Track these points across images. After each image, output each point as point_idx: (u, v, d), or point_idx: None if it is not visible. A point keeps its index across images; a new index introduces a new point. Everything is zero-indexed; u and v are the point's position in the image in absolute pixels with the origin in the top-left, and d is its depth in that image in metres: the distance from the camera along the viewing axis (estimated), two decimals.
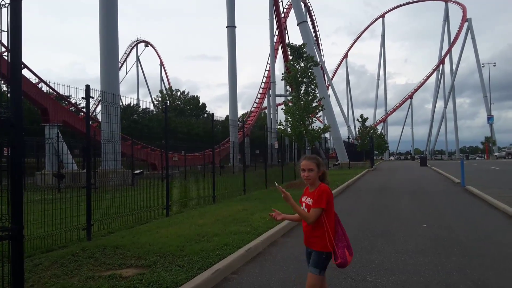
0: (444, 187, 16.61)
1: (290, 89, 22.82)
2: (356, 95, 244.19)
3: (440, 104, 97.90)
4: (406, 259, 5.50)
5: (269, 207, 9.96)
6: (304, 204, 3.15)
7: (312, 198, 3.07)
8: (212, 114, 14.19)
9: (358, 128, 61.30)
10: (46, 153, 18.37)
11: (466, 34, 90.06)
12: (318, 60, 27.53)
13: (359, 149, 52.84)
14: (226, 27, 42.71)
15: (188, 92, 76.94)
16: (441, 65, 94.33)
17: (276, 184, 3.18)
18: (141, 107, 65.18)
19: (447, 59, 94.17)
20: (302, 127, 18.87)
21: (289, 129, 19.79)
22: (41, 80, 23.72)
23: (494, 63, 73.54)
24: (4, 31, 3.20)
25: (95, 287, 4.15)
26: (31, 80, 22.62)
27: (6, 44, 3.26)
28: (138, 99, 76.44)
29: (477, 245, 6.22)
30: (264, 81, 63.67)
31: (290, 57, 20.17)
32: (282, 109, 20.76)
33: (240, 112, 75.66)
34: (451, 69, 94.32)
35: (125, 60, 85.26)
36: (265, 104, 65.10)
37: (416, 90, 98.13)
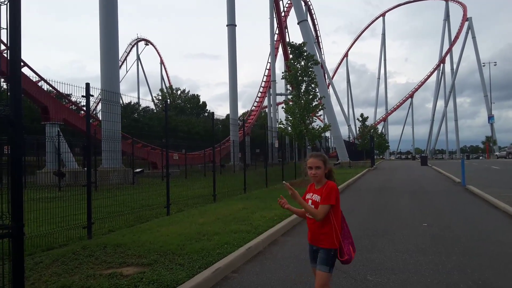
0: (444, 186, 16.59)
1: (290, 88, 22.80)
2: (356, 94, 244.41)
3: (440, 103, 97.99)
4: (407, 258, 5.49)
5: (270, 206, 10.02)
6: (310, 201, 3.13)
7: (320, 195, 3.06)
8: (213, 113, 14.20)
9: (358, 127, 61.38)
10: (47, 152, 18.38)
11: (467, 33, 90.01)
12: (319, 59, 27.51)
13: (359, 148, 52.87)
14: (226, 25, 42.66)
15: (189, 91, 76.94)
16: (441, 64, 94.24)
17: (284, 183, 3.17)
18: (142, 105, 65.13)
19: (447, 58, 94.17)
20: (302, 126, 18.87)
21: (289, 128, 19.80)
22: (41, 78, 23.73)
23: (495, 62, 73.53)
24: (3, 28, 3.19)
25: (95, 285, 4.15)
26: (32, 78, 22.62)
27: (5, 42, 3.25)
28: (138, 98, 76.44)
29: (478, 245, 6.22)
30: (264, 80, 63.67)
31: (291, 56, 20.17)
32: (282, 108, 20.74)
33: (241, 111, 75.80)
34: (452, 68, 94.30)
35: (125, 59, 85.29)
36: (265, 103, 65.10)
37: (416, 89, 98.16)
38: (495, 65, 71.92)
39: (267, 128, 25.34)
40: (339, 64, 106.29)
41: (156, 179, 17.05)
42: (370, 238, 6.80)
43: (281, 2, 60.18)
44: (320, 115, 32.97)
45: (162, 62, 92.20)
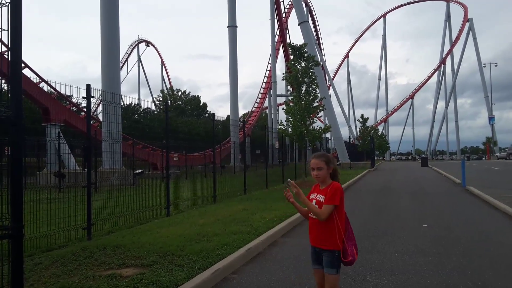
0: (445, 187, 16.58)
1: (291, 89, 22.79)
2: (357, 95, 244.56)
3: (441, 104, 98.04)
4: (407, 259, 5.49)
5: (270, 207, 10.02)
6: (314, 201, 3.11)
7: (324, 195, 3.04)
8: (213, 114, 14.21)
9: (359, 128, 61.33)
10: (47, 153, 18.40)
11: (468, 34, 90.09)
12: (319, 60, 27.53)
13: (360, 149, 52.86)
14: (227, 27, 42.73)
15: (189, 92, 77.00)
16: (442, 65, 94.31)
17: (289, 180, 3.15)
18: (142, 107, 65.25)
19: (448, 59, 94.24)
20: (303, 127, 18.87)
21: (290, 129, 19.80)
22: (42, 80, 23.78)
23: (496, 63, 73.98)
24: (4, 30, 3.20)
25: (95, 286, 4.15)
26: (32, 79, 22.66)
27: (6, 43, 3.26)
28: (139, 99, 76.60)
29: (478, 246, 6.21)
30: (265, 81, 63.73)
31: (291, 57, 20.17)
32: (283, 109, 20.76)
33: (241, 112, 75.88)
34: (453, 69, 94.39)
35: (126, 60, 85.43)
36: (266, 104, 65.13)
37: (417, 90, 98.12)
38: (496, 66, 71.97)
39: (267, 129, 25.33)
40: (340, 65, 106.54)
41: (156, 180, 17.06)
42: (370, 239, 6.80)
43: (282, 3, 60.26)
44: (320, 116, 33.06)
45: (163, 63, 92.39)
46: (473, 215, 9.40)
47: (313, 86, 19.19)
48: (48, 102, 22.70)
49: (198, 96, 77.36)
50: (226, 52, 43.12)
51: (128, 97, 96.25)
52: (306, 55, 19.51)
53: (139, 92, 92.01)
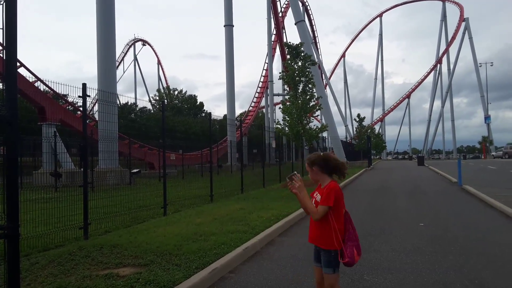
0: (441, 186, 16.65)
1: (287, 89, 22.81)
2: (353, 94, 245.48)
3: (437, 103, 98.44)
4: (403, 258, 5.51)
5: (267, 206, 10.03)
6: (314, 199, 3.12)
7: (321, 194, 3.04)
8: (210, 113, 14.19)
9: (355, 128, 61.52)
10: (43, 152, 18.31)
11: (464, 33, 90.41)
12: (316, 60, 27.55)
13: (356, 148, 53.05)
14: (224, 26, 42.62)
15: (186, 91, 77.04)
16: (438, 65, 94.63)
17: (296, 173, 3.12)
18: (139, 106, 65.17)
19: (444, 59, 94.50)
20: (299, 126, 18.88)
21: (286, 129, 19.83)
22: (38, 79, 23.66)
23: (491, 62, 73.60)
24: (0, 28, 3.18)
25: (92, 286, 4.14)
26: (28, 78, 22.55)
27: (1, 41, 3.24)
28: (135, 98, 76.53)
29: (474, 244, 6.24)
30: (262, 80, 63.73)
31: (288, 56, 20.18)
32: (280, 108, 20.77)
33: (238, 111, 75.85)
34: (449, 69, 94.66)
35: (122, 59, 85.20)
36: (263, 103, 65.12)
37: (413, 90, 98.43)
38: (491, 65, 72.06)
39: (264, 129, 25.34)
40: (337, 64, 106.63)
41: (153, 180, 17.03)
42: (367, 238, 6.81)
43: (278, 3, 60.28)
44: (317, 116, 33.09)
45: (159, 63, 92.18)
46: (469, 214, 9.44)
47: (310, 86, 19.22)
48: (44, 101, 22.62)
49: (194, 95, 77.44)
50: (223, 51, 43.10)
51: (125, 96, 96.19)
52: (302, 54, 19.53)
53: (135, 91, 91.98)
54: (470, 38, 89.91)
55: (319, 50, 75.77)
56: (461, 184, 15.55)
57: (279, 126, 20.99)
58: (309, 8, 72.85)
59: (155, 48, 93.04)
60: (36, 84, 23.68)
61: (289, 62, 19.55)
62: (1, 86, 3.67)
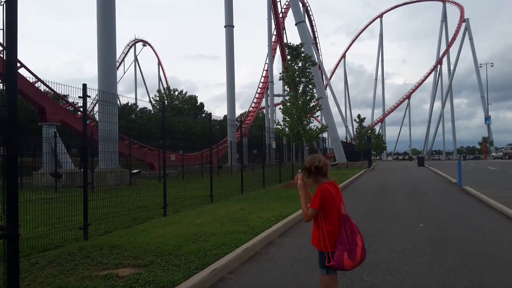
0: (441, 187, 16.64)
1: (288, 89, 22.82)
2: (354, 95, 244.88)
3: (437, 104, 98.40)
4: (403, 258, 5.51)
5: (267, 206, 10.03)
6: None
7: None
8: (210, 113, 14.19)
9: (355, 128, 61.42)
10: (44, 153, 18.31)
11: (464, 34, 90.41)
12: (316, 60, 27.56)
13: (356, 149, 52.99)
14: (224, 26, 42.64)
15: (186, 92, 77.02)
16: (438, 65, 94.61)
17: (300, 171, 3.21)
18: (139, 106, 65.15)
19: (444, 60, 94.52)
20: (300, 127, 18.87)
21: (287, 129, 19.82)
22: (38, 79, 23.69)
23: (492, 63, 73.47)
24: (0, 29, 3.18)
25: (91, 286, 4.14)
26: (28, 79, 22.56)
27: (1, 42, 3.24)
28: (136, 99, 76.58)
29: (474, 245, 6.24)
30: (262, 80, 63.77)
31: (288, 57, 20.17)
32: (280, 109, 20.77)
33: (238, 112, 75.97)
34: (449, 70, 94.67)
35: (123, 60, 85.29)
36: (263, 104, 65.16)
37: (414, 90, 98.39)
38: (492, 66, 71.96)
39: (264, 129, 25.33)
40: (337, 65, 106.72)
41: (153, 180, 17.04)
42: (366, 238, 6.75)
43: (279, 3, 60.29)
44: (317, 116, 33.06)
45: (159, 63, 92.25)
46: (469, 214, 9.43)
47: (310, 86, 19.20)
48: (44, 101, 22.63)
49: (195, 96, 77.49)
50: (224, 52, 43.12)
51: (125, 97, 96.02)
52: (303, 55, 19.51)
53: (136, 92, 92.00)
54: (471, 38, 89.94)
55: (319, 50, 75.82)
56: (461, 185, 15.54)
57: (279, 126, 20.99)
58: (309, 9, 72.98)
59: (155, 49, 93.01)
60: (36, 85, 23.70)
61: (289, 62, 19.54)
62: (1, 87, 3.68)
